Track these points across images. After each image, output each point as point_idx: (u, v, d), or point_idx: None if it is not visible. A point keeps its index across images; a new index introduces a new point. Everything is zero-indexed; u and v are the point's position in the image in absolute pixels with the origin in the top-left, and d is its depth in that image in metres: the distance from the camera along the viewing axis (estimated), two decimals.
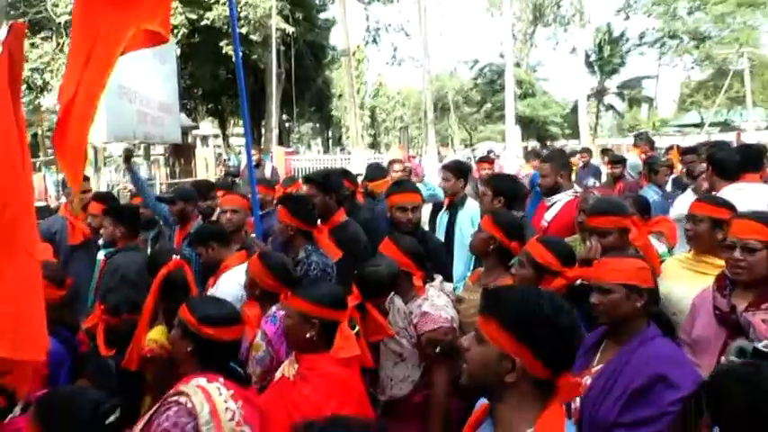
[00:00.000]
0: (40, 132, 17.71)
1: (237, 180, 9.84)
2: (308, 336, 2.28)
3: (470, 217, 4.65)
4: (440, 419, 2.63)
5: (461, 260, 4.45)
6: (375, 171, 6.16)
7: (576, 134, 27.31)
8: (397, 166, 6.48)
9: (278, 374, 2.42)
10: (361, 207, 5.10)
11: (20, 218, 1.62)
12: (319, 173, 4.54)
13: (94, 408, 1.64)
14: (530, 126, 37.30)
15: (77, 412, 1.62)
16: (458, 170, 4.93)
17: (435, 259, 3.63)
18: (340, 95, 33.18)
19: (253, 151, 8.91)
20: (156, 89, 10.65)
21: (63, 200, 5.29)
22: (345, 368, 2.30)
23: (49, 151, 15.15)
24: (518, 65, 34.74)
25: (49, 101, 17.85)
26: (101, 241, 4.57)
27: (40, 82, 18.99)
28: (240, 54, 4.18)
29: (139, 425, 1.97)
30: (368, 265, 2.77)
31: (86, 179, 5.26)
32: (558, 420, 1.36)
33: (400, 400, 2.73)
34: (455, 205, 4.73)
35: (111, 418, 1.65)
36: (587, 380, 2.15)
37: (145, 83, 9.92)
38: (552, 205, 4.24)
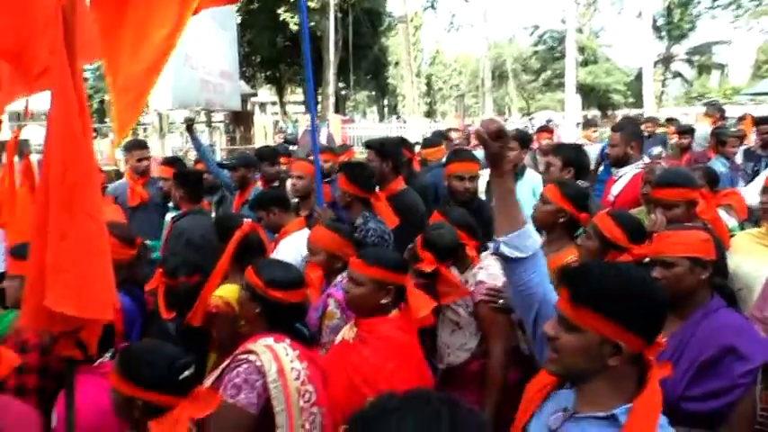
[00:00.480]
0: (107, 98, 18.24)
1: (294, 147, 9.94)
2: (383, 302, 2.32)
3: (531, 188, 4.58)
4: (497, 388, 2.64)
5: None
6: (433, 138, 6.13)
7: (639, 103, 26.23)
8: (454, 134, 6.43)
9: (338, 338, 2.47)
10: (417, 175, 5.10)
11: (80, 182, 1.67)
12: (377, 140, 4.53)
13: (170, 363, 1.71)
14: (590, 94, 36.10)
15: (155, 366, 1.70)
16: (519, 139, 4.85)
17: (491, 228, 3.60)
18: (396, 63, 32.90)
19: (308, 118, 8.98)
20: (218, 57, 10.80)
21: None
22: (404, 333, 2.34)
23: None
24: (580, 30, 33.50)
25: None
26: (171, 204, 4.70)
27: None
28: (307, 24, 4.15)
29: (210, 379, 2.06)
30: (433, 231, 2.79)
31: (145, 146, 5.40)
32: (657, 398, 1.36)
33: (458, 369, 2.76)
34: (514, 175, 4.66)
35: (186, 374, 1.72)
36: None
37: (207, 51, 10.07)
38: (620, 178, 4.08)
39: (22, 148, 4.55)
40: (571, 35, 20.72)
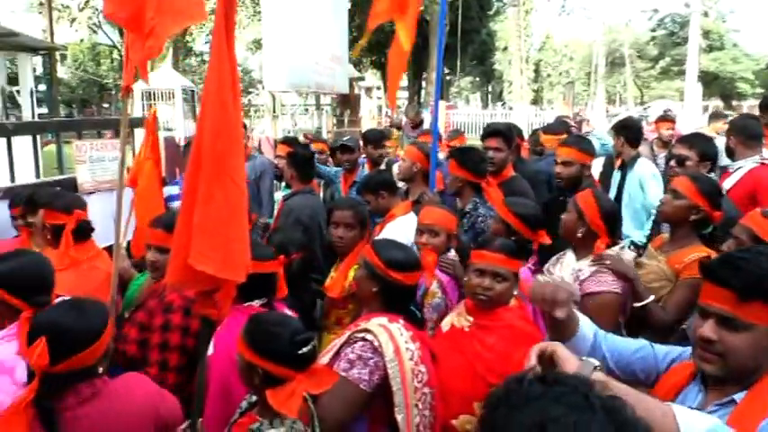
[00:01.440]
0: None
1: (399, 132, 9.98)
2: (514, 292, 2.31)
3: (638, 179, 4.37)
4: None
5: (630, 222, 4.26)
6: (556, 125, 5.93)
7: None
8: (567, 121, 6.21)
9: (445, 325, 2.44)
10: (525, 163, 4.98)
11: (228, 150, 1.76)
12: (503, 124, 4.40)
13: (292, 336, 1.76)
14: (712, 83, 33.65)
15: (279, 338, 1.75)
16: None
17: None
18: (504, 48, 32.16)
19: (411, 113, 8.99)
20: (330, 41, 11.03)
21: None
22: (527, 322, 2.30)
23: None
24: (705, 14, 31.19)
25: None
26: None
27: None
28: (445, 13, 4.14)
29: (326, 357, 2.10)
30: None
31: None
32: None
33: None
34: (625, 166, 4.46)
35: (305, 350, 1.76)
36: None
37: (320, 34, 10.31)
38: (735, 171, 3.79)
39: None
40: (695, 19, 19.39)
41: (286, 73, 9.09)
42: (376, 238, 3.59)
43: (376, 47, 26.91)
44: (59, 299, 2.20)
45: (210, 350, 2.20)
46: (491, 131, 4.11)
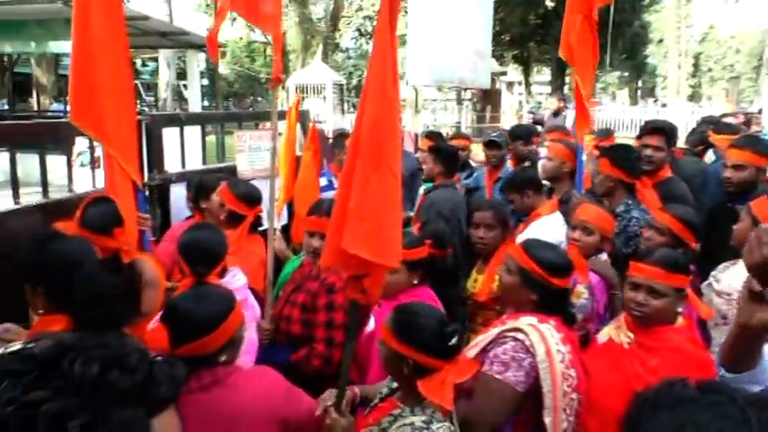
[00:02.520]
0: None
1: (540, 128, 9.69)
2: (678, 309, 2.17)
3: None
4: None
5: None
6: (725, 126, 5.47)
7: None
8: (731, 120, 5.68)
9: (602, 336, 2.33)
10: (680, 163, 4.62)
11: (386, 138, 1.81)
12: (665, 122, 4.14)
13: (440, 327, 1.78)
14: None
15: (429, 329, 1.77)
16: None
17: None
18: (660, 41, 30.01)
19: (554, 99, 8.67)
20: (473, 35, 10.97)
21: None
22: (697, 346, 2.14)
23: None
24: None
25: None
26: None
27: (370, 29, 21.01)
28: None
29: (472, 351, 2.09)
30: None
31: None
32: None
33: None
34: None
35: (453, 342, 1.77)
36: None
37: (464, 29, 10.29)
38: None
39: (304, 117, 5.14)
40: None
41: (429, 68, 9.19)
42: (521, 238, 3.53)
43: (519, 41, 26.29)
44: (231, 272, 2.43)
45: (371, 326, 2.29)
46: (653, 128, 3.86)
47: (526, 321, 2.05)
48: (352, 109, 16.02)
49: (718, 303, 2.55)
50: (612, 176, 3.42)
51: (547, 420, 1.94)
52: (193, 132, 4.91)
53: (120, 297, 1.92)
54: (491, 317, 2.96)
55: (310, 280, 2.68)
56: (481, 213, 3.17)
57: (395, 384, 1.95)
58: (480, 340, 2.13)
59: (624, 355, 2.15)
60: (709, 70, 36.59)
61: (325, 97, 12.49)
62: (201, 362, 1.78)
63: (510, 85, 22.38)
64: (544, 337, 1.99)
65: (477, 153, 6.42)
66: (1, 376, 0.61)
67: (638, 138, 3.94)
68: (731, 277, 2.51)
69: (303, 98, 12.60)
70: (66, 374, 0.61)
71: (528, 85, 30.30)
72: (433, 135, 5.37)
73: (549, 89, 28.13)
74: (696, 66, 35.91)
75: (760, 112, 14.65)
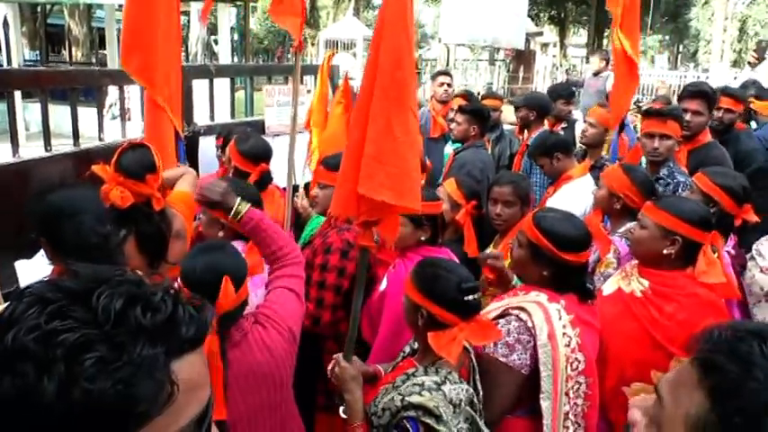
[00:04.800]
0: None
1: (577, 90, 9.44)
2: (664, 252, 2.15)
3: None
4: None
5: None
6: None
7: None
8: None
9: (608, 287, 2.32)
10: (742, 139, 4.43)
11: (407, 80, 1.76)
12: (707, 85, 3.96)
13: (460, 282, 1.76)
14: None
15: (448, 283, 1.76)
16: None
17: None
18: (705, 3, 28.79)
19: (595, 58, 8.39)
20: None
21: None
22: (711, 290, 2.12)
23: None
24: None
25: None
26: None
27: None
28: None
29: (491, 314, 2.04)
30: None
31: (448, 73, 5.58)
32: None
33: None
34: None
35: (471, 297, 1.76)
36: None
37: None
38: None
39: (333, 73, 5.08)
40: None
41: (463, 26, 8.96)
42: (551, 201, 3.45)
43: (556, 1, 25.52)
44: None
45: (384, 285, 2.27)
46: (694, 91, 3.69)
47: (533, 298, 1.98)
48: None
49: (760, 279, 2.48)
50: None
51: (544, 404, 1.88)
52: (222, 85, 4.88)
53: (114, 249, 1.86)
54: (494, 293, 2.94)
55: (319, 236, 2.67)
56: (500, 188, 2.96)
57: (417, 345, 1.94)
58: (490, 310, 2.07)
59: (638, 303, 2.15)
60: (756, 35, 35.06)
61: (355, 53, 12.33)
62: (231, 319, 1.77)
63: (545, 46, 21.78)
64: (549, 319, 1.90)
65: (508, 114, 6.30)
66: (32, 303, 0.61)
67: (679, 101, 3.81)
68: None
69: (333, 53, 12.44)
70: (92, 306, 0.60)
71: (563, 46, 29.47)
72: (466, 95, 5.27)
73: (584, 52, 27.32)
74: (742, 30, 34.43)
75: None
